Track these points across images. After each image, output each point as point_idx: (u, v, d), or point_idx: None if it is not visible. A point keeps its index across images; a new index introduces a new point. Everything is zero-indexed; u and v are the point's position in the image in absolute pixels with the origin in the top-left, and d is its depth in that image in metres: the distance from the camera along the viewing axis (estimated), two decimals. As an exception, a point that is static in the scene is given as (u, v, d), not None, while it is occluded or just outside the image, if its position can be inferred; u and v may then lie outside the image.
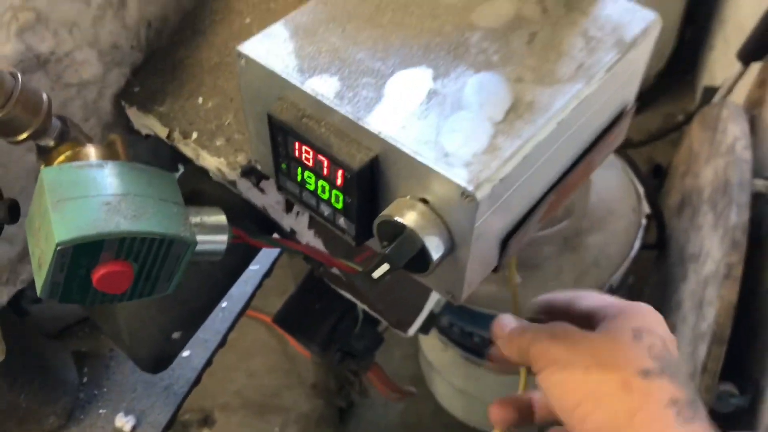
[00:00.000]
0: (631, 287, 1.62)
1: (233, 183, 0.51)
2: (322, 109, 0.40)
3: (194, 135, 0.52)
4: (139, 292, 0.46)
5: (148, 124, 0.55)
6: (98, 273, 0.43)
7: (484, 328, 1.40)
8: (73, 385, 0.69)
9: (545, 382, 0.46)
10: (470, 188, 0.36)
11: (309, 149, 0.41)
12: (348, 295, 0.87)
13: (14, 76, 0.43)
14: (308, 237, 0.61)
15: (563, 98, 0.40)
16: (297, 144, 0.42)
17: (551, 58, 0.43)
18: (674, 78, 2.37)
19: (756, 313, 1.15)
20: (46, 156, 0.47)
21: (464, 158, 0.37)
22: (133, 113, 0.55)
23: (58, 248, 0.41)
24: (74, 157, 0.47)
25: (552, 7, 0.46)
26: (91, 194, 0.43)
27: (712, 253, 1.19)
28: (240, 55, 0.43)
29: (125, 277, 0.44)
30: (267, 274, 0.85)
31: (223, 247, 0.48)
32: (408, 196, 0.40)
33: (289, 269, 1.55)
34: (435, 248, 0.39)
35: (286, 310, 0.97)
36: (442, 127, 0.39)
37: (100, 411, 0.70)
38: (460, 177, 0.36)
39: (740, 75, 1.49)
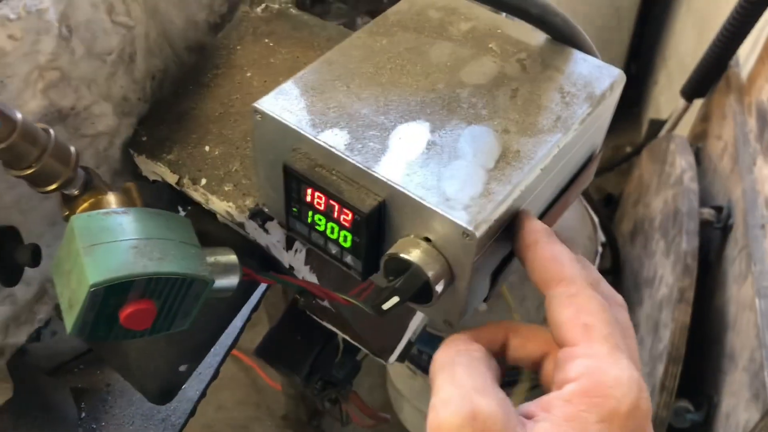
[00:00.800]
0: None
1: (241, 225, 0.56)
2: (334, 159, 0.45)
3: (203, 181, 0.56)
4: (159, 328, 0.50)
5: (157, 171, 0.59)
6: (126, 311, 0.47)
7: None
8: (73, 421, 0.72)
9: None
10: (470, 228, 0.41)
11: (321, 195, 0.46)
12: (329, 326, 0.91)
13: (47, 132, 0.47)
14: (304, 272, 0.65)
15: (545, 147, 0.46)
16: (310, 190, 0.47)
17: (532, 111, 0.49)
18: (621, 111, 2.49)
19: (707, 334, 1.23)
20: (70, 204, 0.51)
21: (463, 202, 0.43)
22: (141, 161, 0.59)
23: (92, 289, 0.45)
24: (97, 205, 0.51)
25: (530, 65, 0.52)
26: (118, 239, 0.47)
27: (665, 278, 1.27)
28: (256, 111, 0.47)
29: (149, 315, 0.48)
30: (255, 309, 0.88)
31: (235, 284, 0.53)
32: (412, 235, 0.45)
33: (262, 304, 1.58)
34: (438, 282, 0.44)
35: (268, 343, 1.00)
36: (442, 174, 0.44)
37: (100, 445, 0.72)
38: (461, 218, 0.42)
39: (684, 110, 1.59)
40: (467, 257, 0.43)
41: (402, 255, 0.44)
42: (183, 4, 0.64)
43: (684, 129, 1.72)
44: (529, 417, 0.37)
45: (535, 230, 0.43)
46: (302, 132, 0.46)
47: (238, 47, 0.63)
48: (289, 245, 0.61)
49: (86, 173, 0.50)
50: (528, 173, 0.45)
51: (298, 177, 0.47)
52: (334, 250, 0.49)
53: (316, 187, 0.46)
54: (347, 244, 0.48)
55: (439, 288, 0.44)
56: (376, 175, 0.44)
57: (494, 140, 0.46)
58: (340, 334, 0.92)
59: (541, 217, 0.51)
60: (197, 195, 0.57)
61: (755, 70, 1.36)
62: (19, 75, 0.49)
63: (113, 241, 0.47)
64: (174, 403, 0.76)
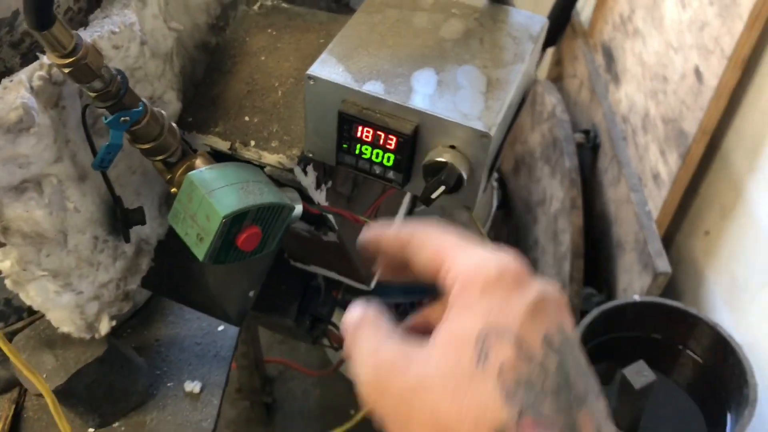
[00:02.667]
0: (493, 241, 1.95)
1: (291, 170, 0.73)
2: (377, 101, 0.64)
3: (252, 143, 0.73)
4: (260, 249, 0.67)
5: (208, 142, 0.74)
6: (242, 237, 0.63)
7: (391, 297, 1.66)
8: (145, 369, 0.85)
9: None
10: (486, 130, 0.62)
11: (370, 129, 0.65)
12: (318, 270, 1.10)
13: (161, 114, 0.62)
14: (324, 204, 0.83)
15: (514, 74, 0.67)
16: (360, 127, 0.65)
17: (497, 51, 0.69)
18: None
19: (595, 232, 1.51)
20: (171, 168, 0.66)
21: (476, 115, 0.63)
22: (193, 136, 0.74)
23: (223, 220, 0.61)
24: (191, 167, 0.66)
25: (484, 21, 0.73)
26: (228, 183, 0.63)
27: (555, 194, 1.54)
28: (309, 77, 0.65)
29: (257, 238, 0.65)
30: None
31: (301, 212, 0.70)
32: (440, 146, 0.64)
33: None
34: (465, 174, 0.64)
35: (258, 298, 1.16)
36: (455, 100, 0.64)
37: (168, 384, 0.86)
38: (478, 125, 0.62)
39: (540, 58, 1.88)
40: (485, 153, 0.63)
41: (438, 158, 0.63)
42: (187, 9, 0.79)
43: (541, 75, 2.01)
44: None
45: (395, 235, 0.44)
46: (350, 86, 0.64)
47: (247, 39, 0.79)
48: (318, 185, 0.79)
49: (183, 143, 0.66)
50: (509, 91, 0.66)
51: (351, 119, 0.65)
52: (378, 170, 0.68)
53: (366, 124, 0.65)
54: (389, 163, 0.67)
55: (466, 178, 0.64)
56: (411, 107, 0.63)
57: (480, 74, 0.67)
58: (326, 274, 1.10)
59: (511, 126, 0.72)
60: (250, 154, 0.73)
61: (594, 17, 1.66)
62: (116, 76, 0.63)
63: (225, 185, 0.63)
64: (218, 341, 0.91)
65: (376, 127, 0.64)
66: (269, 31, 0.79)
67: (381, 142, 0.65)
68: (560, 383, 0.35)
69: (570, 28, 1.77)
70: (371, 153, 0.66)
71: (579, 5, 1.80)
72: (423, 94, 0.64)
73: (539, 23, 0.74)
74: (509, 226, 1.92)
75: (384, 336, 0.39)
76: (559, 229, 1.49)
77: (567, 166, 1.46)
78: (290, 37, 0.79)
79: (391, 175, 0.68)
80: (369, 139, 0.65)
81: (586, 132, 1.56)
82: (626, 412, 0.92)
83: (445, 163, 0.63)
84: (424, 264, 0.41)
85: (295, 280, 1.16)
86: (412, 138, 0.64)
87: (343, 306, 1.78)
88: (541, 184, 1.65)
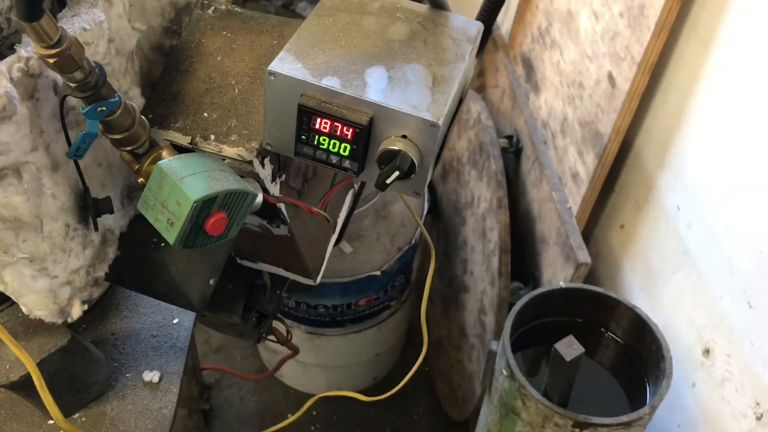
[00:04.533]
0: (425, 241, 2.03)
1: (250, 162, 0.77)
2: (334, 95, 0.70)
3: (212, 137, 0.77)
4: (225, 234, 0.71)
5: (170, 137, 0.78)
6: (211, 221, 0.68)
7: (327, 298, 1.71)
8: (103, 361, 0.87)
9: None
10: (435, 120, 0.68)
11: (327, 120, 0.70)
12: (260, 266, 1.14)
13: (133, 108, 0.66)
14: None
15: (456, 71, 0.74)
16: (318, 119, 0.70)
17: (440, 52, 0.76)
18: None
19: (521, 230, 1.61)
20: (139, 159, 0.69)
21: (424, 106, 0.69)
22: (154, 132, 0.78)
23: (194, 204, 0.65)
24: (158, 158, 0.70)
25: (427, 24, 0.80)
26: (196, 171, 0.67)
27: (482, 195, 1.63)
28: (271, 72, 0.70)
29: (224, 222, 0.69)
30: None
31: (262, 200, 0.75)
32: (392, 136, 0.71)
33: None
34: (416, 161, 0.70)
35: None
36: (405, 94, 0.70)
37: (127, 375, 0.88)
38: (428, 116, 0.68)
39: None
40: (433, 141, 0.70)
41: (391, 147, 0.70)
42: (144, 13, 0.83)
43: (464, 85, 2.11)
44: None
45: None
46: (309, 81, 0.70)
47: (203, 40, 0.83)
48: (273, 178, 0.83)
49: (150, 137, 0.69)
50: (452, 86, 0.73)
51: (310, 111, 0.70)
52: (335, 160, 0.73)
53: (324, 115, 0.70)
54: (346, 153, 0.72)
55: (417, 165, 0.70)
56: (366, 99, 0.69)
57: (427, 71, 0.74)
58: (272, 271, 1.14)
59: (453, 120, 0.79)
60: (210, 147, 0.77)
61: (513, 30, 1.77)
62: (86, 71, 0.67)
63: (193, 173, 0.67)
64: (174, 333, 0.94)
65: (333, 119, 0.70)
66: (224, 33, 0.84)
67: (338, 132, 0.71)
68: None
69: (491, 42, 1.88)
70: (328, 143, 0.72)
71: (499, 19, 1.91)
72: (376, 88, 0.70)
73: (475, 27, 0.81)
74: (439, 229, 2.00)
75: None
76: (487, 228, 1.58)
77: (493, 168, 1.56)
78: (245, 38, 0.84)
79: (347, 164, 0.73)
80: (327, 130, 0.71)
81: (510, 137, 1.66)
82: (558, 384, 1.00)
83: (398, 151, 0.69)
84: None
85: (241, 279, 1.19)
86: (368, 128, 0.70)
87: (287, 315, 1.82)
88: (468, 187, 1.73)
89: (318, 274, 1.13)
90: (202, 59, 0.82)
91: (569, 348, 0.93)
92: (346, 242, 1.69)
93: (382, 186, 0.71)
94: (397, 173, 0.70)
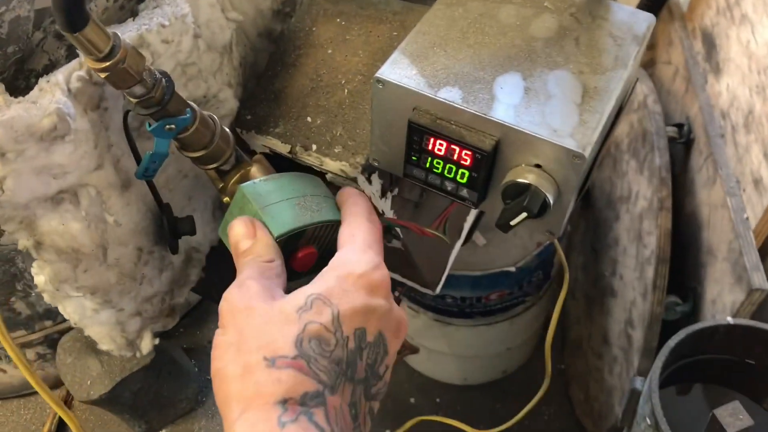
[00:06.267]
0: (569, 234, 1.85)
1: (354, 179, 0.66)
2: (453, 111, 0.56)
3: (314, 147, 0.66)
4: (316, 269, 0.60)
5: (267, 144, 0.68)
6: (297, 257, 0.57)
7: (456, 289, 1.59)
8: (194, 374, 0.81)
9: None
10: (580, 151, 0.53)
11: (443, 142, 0.57)
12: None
13: (213, 119, 0.56)
14: (389, 214, 0.76)
15: (615, 82, 0.58)
16: (432, 139, 0.57)
17: (595, 54, 0.60)
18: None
19: (683, 236, 1.40)
20: (224, 177, 0.60)
21: (567, 131, 0.54)
22: (251, 137, 0.68)
23: (277, 240, 0.54)
24: (245, 176, 0.60)
25: (581, 17, 0.63)
26: (284, 198, 0.57)
27: (641, 192, 1.42)
28: (378, 80, 0.57)
29: (313, 258, 0.58)
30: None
31: (362, 227, 0.63)
32: (523, 165, 0.56)
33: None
34: (551, 198, 0.56)
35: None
36: (544, 111, 0.55)
37: (219, 392, 0.82)
38: (571, 144, 0.53)
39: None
40: (576, 175, 0.55)
41: (520, 180, 0.55)
42: (250, -5, 0.73)
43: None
44: None
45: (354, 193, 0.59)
46: (423, 93, 0.56)
47: (314, 29, 0.72)
48: (383, 194, 0.71)
49: (236, 150, 0.59)
50: (608, 102, 0.57)
51: (422, 129, 0.57)
52: (450, 187, 0.60)
53: (439, 136, 0.57)
54: (464, 180, 0.59)
55: (552, 203, 0.56)
56: (492, 119, 0.55)
57: (575, 81, 0.58)
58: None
59: (607, 135, 0.63)
60: (311, 159, 0.66)
61: (695, -2, 1.52)
62: (167, 73, 0.57)
63: (280, 200, 0.57)
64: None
65: (450, 141, 0.57)
66: (338, 20, 0.72)
67: (455, 157, 0.57)
68: (344, 358, 0.45)
69: (666, 10, 1.63)
70: (443, 168, 0.59)
71: (678, -16, 1.65)
72: (507, 103, 0.56)
73: (645, 22, 0.64)
74: (588, 219, 1.81)
75: (258, 275, 0.50)
76: (644, 231, 1.38)
77: (657, 163, 1.35)
78: (360, 28, 0.71)
79: (464, 193, 0.60)
80: (442, 153, 0.58)
81: (680, 126, 1.43)
82: (714, 453, 0.83)
83: (528, 186, 0.55)
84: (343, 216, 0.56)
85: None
86: (492, 155, 0.56)
87: (412, 300, 1.72)
88: (626, 179, 1.53)
89: (438, 284, 1.01)
90: (311, 52, 0.71)
91: (733, 418, 0.75)
92: (479, 233, 1.56)
93: (504, 227, 0.57)
94: (524, 215, 0.55)
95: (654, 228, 1.33)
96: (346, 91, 0.68)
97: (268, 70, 0.71)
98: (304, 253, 0.57)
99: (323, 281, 0.48)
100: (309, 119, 0.67)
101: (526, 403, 1.89)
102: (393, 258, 0.94)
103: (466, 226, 1.02)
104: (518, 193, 0.56)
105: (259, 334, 0.44)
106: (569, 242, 1.91)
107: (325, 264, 0.61)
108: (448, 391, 1.97)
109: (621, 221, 1.54)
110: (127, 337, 0.60)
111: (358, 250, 0.52)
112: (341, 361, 0.45)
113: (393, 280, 0.80)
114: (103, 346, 0.59)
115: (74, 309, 0.55)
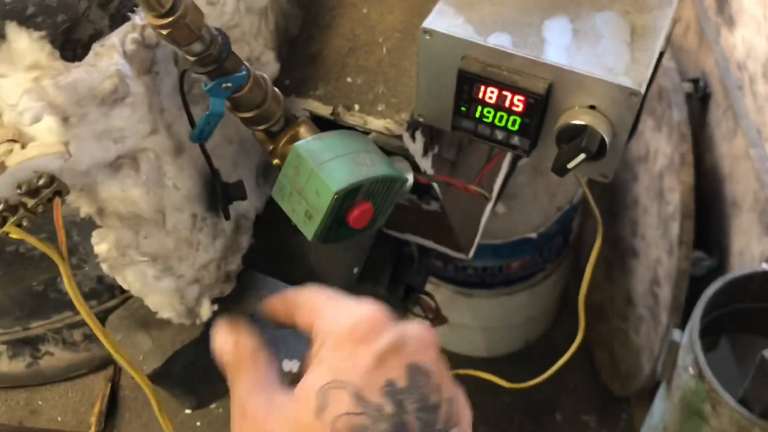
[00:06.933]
0: (584, 200, 1.85)
1: (399, 136, 0.66)
2: (503, 56, 0.56)
3: (356, 107, 0.66)
4: (371, 226, 0.60)
5: (308, 107, 0.67)
6: (354, 213, 0.57)
7: (478, 260, 1.59)
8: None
9: None
10: (636, 88, 0.53)
11: (494, 89, 0.57)
12: (407, 237, 1.03)
13: (264, 79, 0.55)
14: (430, 172, 0.76)
15: (662, 20, 0.58)
16: (482, 87, 0.57)
17: (639, -6, 0.60)
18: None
19: (705, 190, 1.40)
20: (274, 138, 0.59)
21: (622, 69, 0.54)
22: (291, 101, 0.68)
23: (335, 196, 0.54)
24: (295, 136, 0.60)
25: (621, -42, 0.63)
26: (338, 155, 0.56)
27: (661, 149, 1.42)
28: (425, 31, 0.57)
29: (369, 214, 0.58)
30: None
31: (412, 184, 0.63)
32: (576, 107, 0.56)
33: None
34: (608, 139, 0.55)
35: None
36: (596, 52, 0.55)
37: (266, 364, 0.82)
38: (626, 82, 0.53)
39: None
40: (631, 114, 0.54)
41: (576, 122, 0.55)
42: (279, -42, 0.72)
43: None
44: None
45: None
46: (472, 40, 0.56)
47: (347, -12, 0.71)
48: (425, 152, 0.71)
49: (285, 111, 0.59)
50: (657, 40, 0.56)
51: (472, 78, 0.57)
52: (500, 136, 0.60)
53: (490, 83, 0.56)
54: (515, 128, 0.58)
55: (608, 143, 0.55)
56: (545, 61, 0.54)
57: (622, 21, 0.58)
58: (421, 242, 1.03)
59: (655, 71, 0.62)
60: (354, 119, 0.66)
61: (702, -48, 1.51)
62: (211, 35, 0.57)
63: (334, 157, 0.56)
64: (317, 318, 0.86)
65: (502, 87, 0.56)
66: (370, -21, 0.71)
67: (507, 103, 0.57)
68: (395, 423, 0.39)
69: (673, -33, 1.62)
70: (494, 116, 0.58)
71: (683, -60, 1.64)
72: (558, 45, 0.55)
73: (685, -41, 0.63)
74: (603, 184, 1.81)
75: (256, 385, 0.45)
76: (665, 188, 1.38)
77: (676, 118, 1.34)
78: (394, -15, 0.70)
79: (515, 141, 0.59)
80: (493, 101, 0.57)
81: (695, 81, 1.43)
82: (764, 394, 0.83)
83: (584, 127, 0.55)
84: (301, 325, 0.47)
85: (386, 248, 1.09)
86: (545, 98, 0.56)
87: (433, 273, 1.72)
88: (643, 139, 1.53)
89: (471, 248, 1.01)
90: (345, 12, 0.71)
91: (784, 357, 0.75)
92: (500, 202, 1.56)
93: (561, 171, 0.57)
94: (582, 156, 0.55)
95: (676, 184, 1.32)
96: (384, 49, 0.68)
97: (302, 34, 0.70)
98: (361, 210, 0.57)
99: (321, 363, 0.42)
100: (349, 79, 0.67)
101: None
102: (429, 222, 0.94)
103: (496, 187, 1.02)
104: (574, 135, 0.55)
105: None
106: (584, 208, 1.91)
107: (379, 222, 0.61)
108: (471, 363, 1.97)
109: (639, 181, 1.54)
110: (186, 304, 0.59)
111: (329, 318, 0.44)
112: (395, 425, 0.40)
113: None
114: (164, 314, 0.59)
115: (135, 277, 0.55)
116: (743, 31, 1.33)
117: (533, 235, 1.49)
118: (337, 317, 0.44)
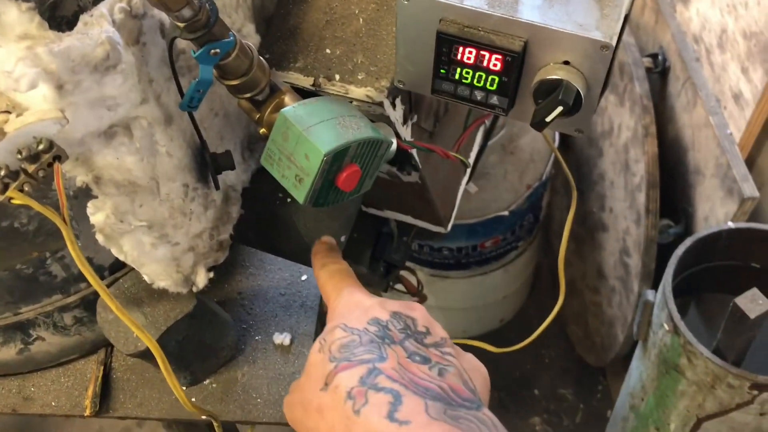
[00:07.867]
0: (552, 177, 1.89)
1: (380, 103, 0.67)
2: (480, 17, 0.58)
3: (337, 77, 0.67)
4: (358, 189, 0.62)
5: (290, 79, 0.68)
6: (343, 175, 0.58)
7: (452, 240, 1.62)
8: (231, 323, 0.82)
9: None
10: (607, 40, 0.55)
11: (473, 49, 0.59)
12: (387, 214, 1.05)
13: (250, 48, 0.57)
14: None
15: (628, -21, 0.60)
16: (461, 48, 0.59)
17: (604, -45, 0.62)
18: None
19: (669, 160, 1.44)
20: (259, 107, 0.61)
21: (593, 24, 0.56)
22: (273, 74, 0.69)
23: (324, 158, 0.56)
24: (280, 105, 0.61)
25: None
26: (324, 119, 0.58)
27: (624, 123, 1.46)
28: (404, -5, 0.59)
29: (357, 176, 0.60)
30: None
31: (395, 148, 0.65)
32: (551, 63, 0.58)
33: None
34: (582, 92, 0.58)
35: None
36: (567, 10, 0.58)
37: (257, 338, 0.83)
38: (598, 36, 0.55)
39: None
40: (604, 67, 0.57)
41: (551, 77, 0.57)
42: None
43: None
44: None
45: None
46: (449, 2, 0.58)
47: (320, -36, 0.73)
48: (404, 120, 0.73)
49: (270, 80, 0.60)
50: (625, -2, 0.59)
51: (451, 39, 0.59)
52: (479, 96, 0.62)
53: (469, 44, 0.59)
54: (493, 87, 0.61)
55: (584, 97, 0.58)
56: (520, 20, 0.57)
57: (591, -20, 0.60)
58: (400, 218, 1.06)
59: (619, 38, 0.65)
60: (335, 89, 0.67)
61: (655, -69, 1.55)
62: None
63: (321, 121, 0.58)
64: (303, 291, 0.88)
65: (479, 47, 0.58)
66: (343, -47, 0.73)
67: (485, 63, 0.59)
68: (374, 339, 0.48)
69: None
70: (473, 77, 0.61)
71: None
72: (530, 5, 0.58)
73: None
74: (569, 162, 1.85)
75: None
76: (630, 160, 1.43)
77: (638, 91, 1.38)
78: (366, -42, 0.72)
79: (494, 100, 0.62)
80: (471, 61, 0.60)
81: (654, 56, 1.47)
82: (735, 342, 0.87)
83: (560, 81, 0.57)
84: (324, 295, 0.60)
85: (366, 227, 1.11)
86: (521, 56, 0.58)
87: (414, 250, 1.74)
88: (606, 114, 1.57)
89: (449, 221, 1.03)
90: (320, -14, 0.72)
91: (753, 303, 0.79)
92: (470, 181, 1.59)
93: (540, 125, 0.59)
94: (560, 108, 0.57)
95: (641, 155, 1.37)
96: (361, 20, 0.69)
97: (279, 10, 0.72)
98: (349, 171, 0.59)
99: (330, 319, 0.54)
100: (328, 51, 0.69)
101: (528, 350, 1.93)
102: (406, 195, 0.96)
103: (471, 159, 1.05)
104: (550, 90, 0.58)
105: (306, 382, 0.49)
106: (552, 186, 1.95)
107: (366, 185, 0.63)
108: (449, 345, 2.00)
109: (605, 156, 1.58)
110: (182, 272, 0.60)
111: (345, 296, 0.56)
112: (372, 339, 0.48)
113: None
114: (160, 283, 0.60)
115: (132, 246, 0.56)
116: (698, 4, 1.38)
117: (505, 212, 1.52)
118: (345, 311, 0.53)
